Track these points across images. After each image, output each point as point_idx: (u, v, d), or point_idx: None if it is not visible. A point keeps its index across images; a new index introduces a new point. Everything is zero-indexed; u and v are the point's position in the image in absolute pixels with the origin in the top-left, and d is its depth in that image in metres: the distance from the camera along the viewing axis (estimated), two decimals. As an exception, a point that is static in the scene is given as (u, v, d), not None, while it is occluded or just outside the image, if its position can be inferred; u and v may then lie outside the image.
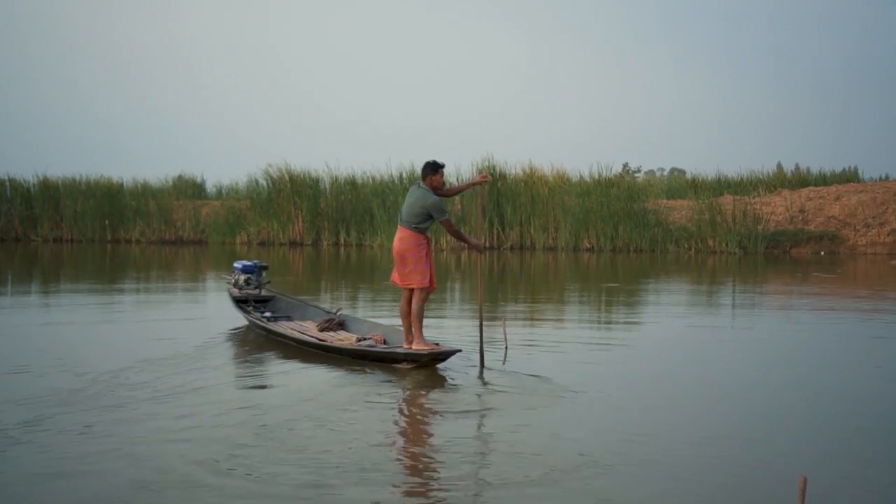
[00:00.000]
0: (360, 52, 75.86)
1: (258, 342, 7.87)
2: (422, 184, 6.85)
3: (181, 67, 71.60)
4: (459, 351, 6.75)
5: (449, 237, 22.56)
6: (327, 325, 8.06)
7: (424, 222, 6.72)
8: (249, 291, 8.90)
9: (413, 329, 6.75)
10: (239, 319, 8.82)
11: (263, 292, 9.06)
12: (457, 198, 24.73)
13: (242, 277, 8.92)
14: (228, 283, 9.28)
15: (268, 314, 8.55)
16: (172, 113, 66.69)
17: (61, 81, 65.42)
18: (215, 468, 4.10)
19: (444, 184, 6.96)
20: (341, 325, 8.14)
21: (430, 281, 6.79)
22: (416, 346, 6.69)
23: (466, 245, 7.34)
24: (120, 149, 54.60)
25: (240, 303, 8.79)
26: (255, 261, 9.24)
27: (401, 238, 6.77)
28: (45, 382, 5.90)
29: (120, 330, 8.76)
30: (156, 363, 6.62)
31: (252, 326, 8.47)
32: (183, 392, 5.71)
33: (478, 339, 6.88)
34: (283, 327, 8.09)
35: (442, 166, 6.86)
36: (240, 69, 72.47)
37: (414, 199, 6.73)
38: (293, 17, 78.59)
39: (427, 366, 6.64)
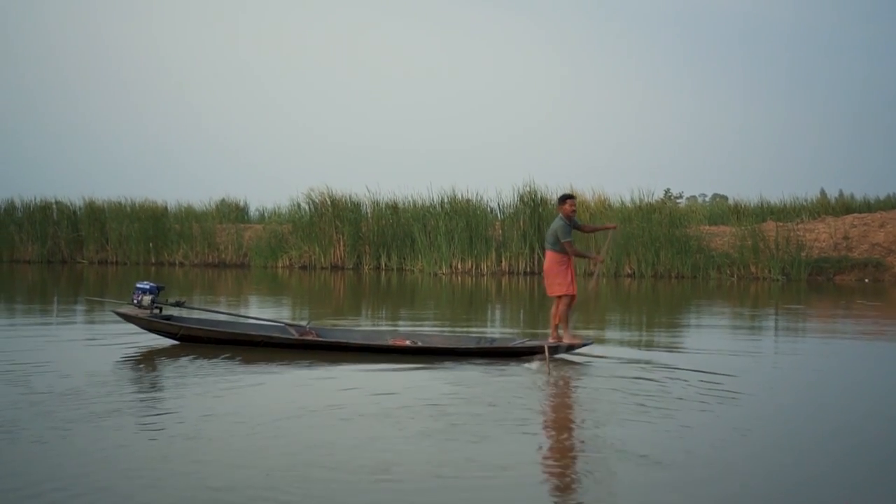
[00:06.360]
0: (397, 79, 76.67)
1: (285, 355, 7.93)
2: (560, 215, 8.40)
3: (229, 94, 72.57)
4: (592, 342, 8.39)
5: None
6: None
7: (557, 243, 8.31)
8: (153, 311, 8.88)
9: (561, 326, 8.29)
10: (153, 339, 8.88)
11: (165, 311, 9.07)
12: (496, 223, 25.00)
13: (148, 298, 8.90)
14: (130, 304, 9.04)
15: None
16: (217, 136, 67.68)
17: (108, 105, 66.77)
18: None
19: (574, 212, 8.41)
20: (319, 336, 8.61)
21: (569, 288, 8.25)
22: (567, 340, 8.19)
23: (588, 258, 9.72)
24: (165, 172, 55.55)
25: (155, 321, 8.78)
26: (152, 282, 9.19)
27: (546, 259, 8.50)
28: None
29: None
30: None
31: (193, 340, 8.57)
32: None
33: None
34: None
35: (571, 197, 8.46)
36: (283, 97, 73.35)
37: (550, 226, 8.47)
38: (332, 46, 79.81)
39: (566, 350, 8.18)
